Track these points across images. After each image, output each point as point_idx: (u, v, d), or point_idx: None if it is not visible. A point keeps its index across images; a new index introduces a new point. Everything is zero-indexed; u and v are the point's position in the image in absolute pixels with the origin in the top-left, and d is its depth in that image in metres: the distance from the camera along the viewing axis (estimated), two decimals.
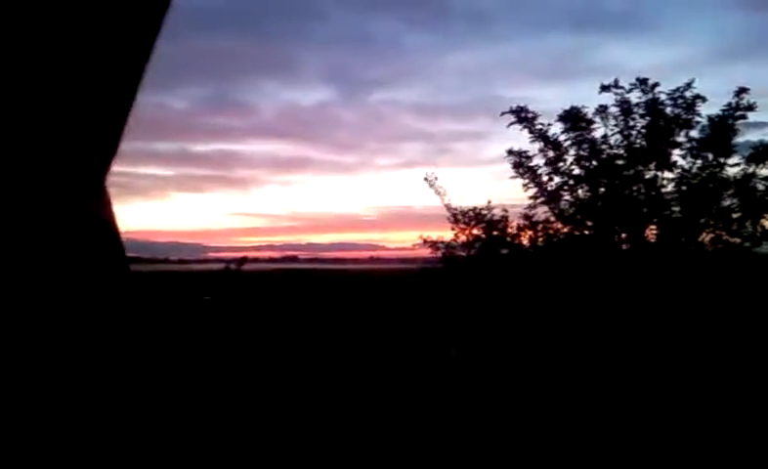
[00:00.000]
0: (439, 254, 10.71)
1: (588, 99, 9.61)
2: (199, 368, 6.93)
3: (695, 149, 9.20)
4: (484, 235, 10.32)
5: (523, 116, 9.76)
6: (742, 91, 9.05)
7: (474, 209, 10.31)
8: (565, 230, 9.91)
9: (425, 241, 10.61)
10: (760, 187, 8.97)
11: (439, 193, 10.47)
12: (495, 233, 10.27)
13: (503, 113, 9.86)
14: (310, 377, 7.25)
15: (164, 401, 1.67)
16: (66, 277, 1.52)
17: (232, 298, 12.02)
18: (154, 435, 1.58)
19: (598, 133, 9.53)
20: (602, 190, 9.56)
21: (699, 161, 9.20)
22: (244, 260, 13.22)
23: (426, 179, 10.53)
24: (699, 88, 9.23)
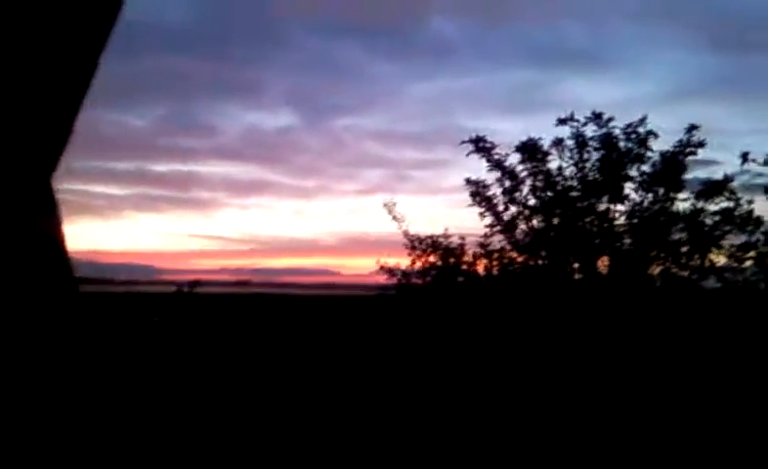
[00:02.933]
0: (395, 280, 10.71)
1: (546, 131, 9.79)
2: (143, 389, 6.73)
3: (646, 183, 9.42)
4: (440, 263, 10.37)
5: (481, 146, 9.87)
6: (692, 128, 9.32)
7: (431, 237, 10.36)
8: (520, 259, 10.01)
9: (381, 267, 10.60)
10: (708, 222, 9.21)
11: (397, 220, 10.51)
12: (452, 260, 10.33)
13: (462, 142, 9.96)
14: (257, 400, 7.11)
15: (106, 419, 1.61)
16: (7, 288, 1.45)
17: (183, 321, 11.78)
18: (95, 454, 1.52)
19: (554, 165, 9.70)
20: (556, 220, 9.70)
21: (650, 195, 9.42)
22: (197, 283, 12.99)
23: (385, 205, 10.56)
24: (653, 124, 9.49)
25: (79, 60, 1.48)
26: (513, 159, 9.81)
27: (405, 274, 10.58)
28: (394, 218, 10.52)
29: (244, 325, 13.09)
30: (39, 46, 1.42)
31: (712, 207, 9.24)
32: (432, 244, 10.33)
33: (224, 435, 5.91)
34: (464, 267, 10.38)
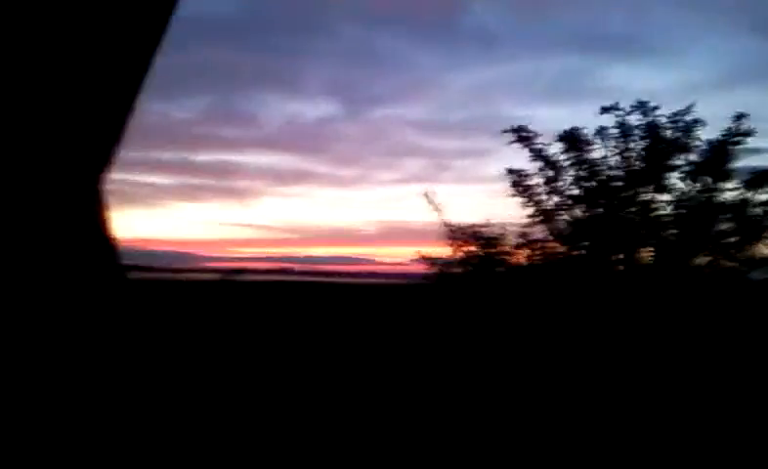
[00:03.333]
0: (435, 270, 10.73)
1: (589, 120, 9.68)
2: (192, 377, 6.91)
3: (692, 173, 9.24)
4: (480, 253, 10.34)
5: (522, 135, 9.80)
6: (740, 116, 9.10)
7: (471, 226, 10.33)
8: (561, 249, 9.93)
9: (422, 257, 10.63)
10: (757, 212, 8.99)
11: (437, 210, 10.50)
12: (492, 250, 10.29)
13: (504, 132, 9.91)
14: (302, 388, 7.23)
15: (158, 405, 1.66)
16: (59, 280, 1.52)
17: (227, 307, 12.00)
18: (146, 437, 1.58)
19: (597, 154, 9.58)
20: (599, 210, 9.59)
21: (696, 185, 9.24)
22: (241, 270, 13.24)
23: (425, 195, 10.56)
24: (699, 112, 9.30)
25: (133, 59, 1.52)
26: (555, 149, 9.73)
27: (446, 263, 10.59)
28: (434, 207, 10.52)
29: (287, 312, 13.28)
30: (94, 44, 1.46)
31: (761, 197, 9.02)
32: (472, 234, 10.31)
33: (268, 418, 6.04)
34: (505, 257, 10.34)
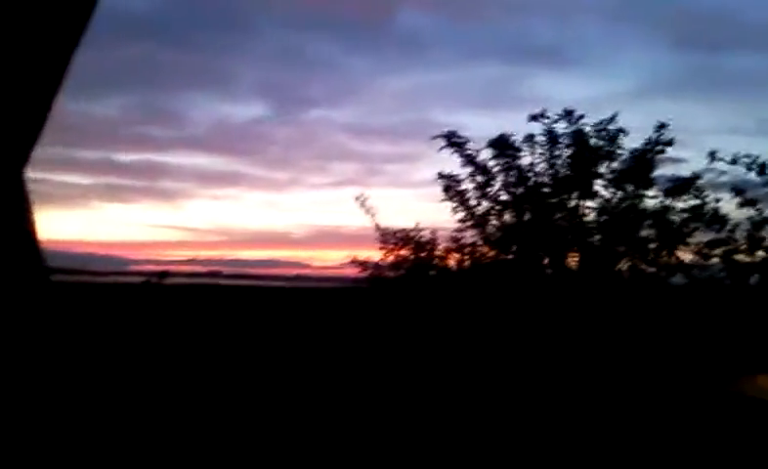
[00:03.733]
0: (367, 274, 10.72)
1: (518, 127, 9.84)
2: (111, 382, 6.63)
3: (616, 180, 9.52)
4: (412, 257, 10.39)
5: (453, 141, 9.89)
6: (661, 126, 9.43)
7: (403, 230, 10.37)
8: (491, 254, 10.06)
9: (353, 261, 10.59)
10: (676, 219, 9.32)
11: (369, 213, 10.49)
12: (423, 254, 10.36)
13: (434, 137, 9.97)
14: (227, 394, 7.04)
15: (75, 410, 1.58)
16: None
17: (151, 312, 11.62)
18: (63, 439, 1.50)
19: (525, 160, 9.75)
20: (527, 216, 9.76)
21: (619, 192, 9.52)
22: (166, 273, 12.84)
23: (357, 198, 10.54)
24: (622, 122, 9.59)
25: (53, 53, 1.46)
26: (485, 155, 9.86)
27: (377, 267, 10.60)
28: (366, 211, 10.51)
29: (214, 317, 12.97)
30: (12, 38, 1.39)
31: (680, 204, 9.35)
32: (404, 238, 10.35)
33: (188, 429, 5.84)
34: (436, 261, 10.42)
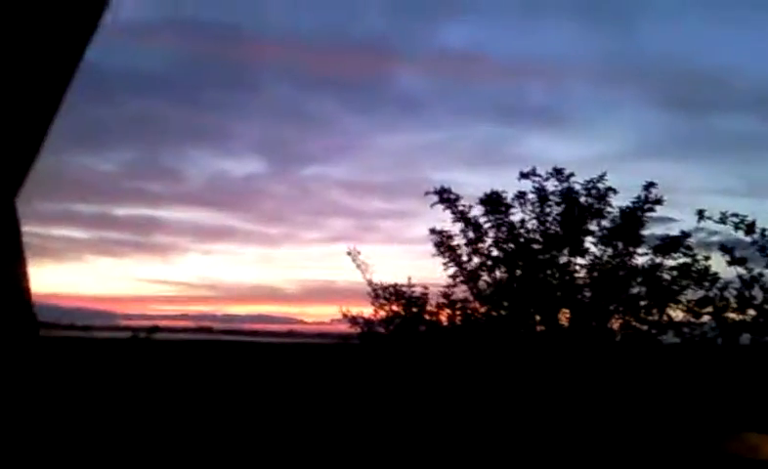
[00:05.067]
0: (357, 330, 10.67)
1: (510, 185, 9.95)
2: (98, 438, 6.52)
3: (606, 238, 9.60)
4: (403, 312, 10.37)
5: (445, 197, 9.99)
6: (650, 185, 9.56)
7: (394, 286, 10.38)
8: (482, 309, 10.06)
9: (345, 316, 10.56)
10: (666, 277, 9.37)
11: (361, 269, 10.51)
12: (414, 310, 10.34)
13: (427, 193, 10.08)
14: (216, 450, 6.93)
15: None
16: None
17: (140, 368, 11.50)
18: None
19: (516, 217, 9.84)
20: (518, 272, 9.80)
21: (609, 249, 9.59)
22: (155, 328, 12.75)
23: (349, 253, 10.57)
24: (612, 181, 9.72)
25: (51, 75, 1.45)
26: (477, 211, 9.95)
27: (368, 322, 10.57)
28: (358, 266, 10.53)
29: (205, 373, 12.83)
30: (8, 60, 1.38)
31: (670, 262, 9.41)
32: (395, 293, 10.35)
33: None
34: (427, 316, 10.40)
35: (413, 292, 10.35)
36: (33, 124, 1.47)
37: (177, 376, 11.69)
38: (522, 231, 9.77)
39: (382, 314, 10.46)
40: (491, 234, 9.87)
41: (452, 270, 10.03)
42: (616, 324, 9.61)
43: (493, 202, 9.85)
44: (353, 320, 10.58)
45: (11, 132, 1.43)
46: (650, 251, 9.53)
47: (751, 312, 8.75)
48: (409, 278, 10.40)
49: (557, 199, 9.67)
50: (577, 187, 9.65)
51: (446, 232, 10.05)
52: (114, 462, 5.93)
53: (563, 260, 9.67)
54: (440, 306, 10.30)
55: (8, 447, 1.43)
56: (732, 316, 8.96)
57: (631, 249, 9.57)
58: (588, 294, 9.66)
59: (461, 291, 10.12)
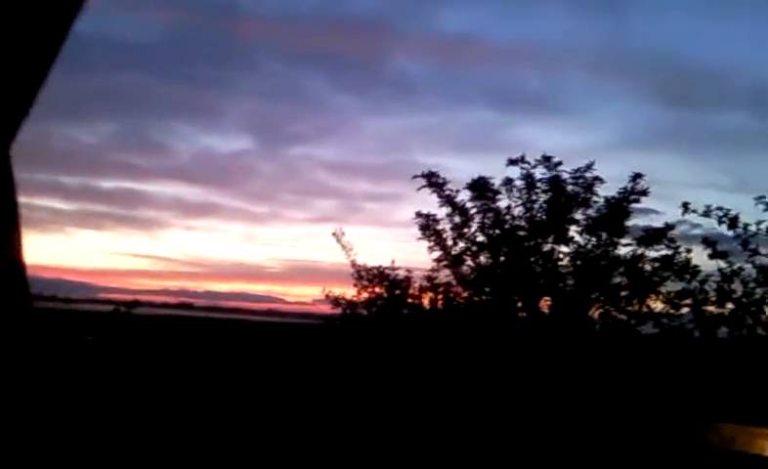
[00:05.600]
0: (339, 310, 10.67)
1: (498, 171, 9.97)
2: (75, 413, 6.48)
3: (591, 227, 9.66)
4: (386, 294, 10.38)
5: (433, 181, 9.98)
6: (637, 176, 9.62)
7: (378, 268, 10.38)
8: (465, 294, 10.10)
9: (327, 296, 10.55)
10: (648, 268, 9.46)
11: (345, 249, 10.49)
12: (397, 292, 10.35)
13: (414, 177, 10.06)
14: (193, 426, 6.92)
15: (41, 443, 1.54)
16: None
17: (119, 342, 11.42)
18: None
19: (503, 204, 9.86)
20: (502, 258, 9.84)
21: (593, 239, 9.65)
22: (135, 303, 12.63)
23: (334, 234, 10.54)
24: (600, 171, 9.76)
25: (46, 26, 1.43)
26: (464, 196, 9.96)
27: (351, 304, 10.56)
28: (342, 247, 10.51)
29: (183, 348, 12.77)
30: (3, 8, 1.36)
31: (652, 254, 9.50)
32: (378, 275, 10.35)
33: (156, 461, 5.72)
34: (410, 299, 10.42)
35: (397, 275, 10.36)
36: (27, 74, 1.44)
37: (156, 351, 11.63)
38: (508, 217, 9.80)
39: (365, 295, 10.46)
40: (477, 219, 9.89)
41: (437, 253, 10.05)
42: (596, 313, 9.70)
43: (480, 188, 9.86)
44: (335, 301, 10.57)
45: (4, 82, 1.40)
46: (633, 242, 9.61)
47: (730, 305, 8.88)
48: (393, 261, 10.41)
49: (544, 187, 9.70)
50: (565, 175, 9.69)
51: (432, 215, 10.05)
52: (96, 436, 5.90)
53: (547, 248, 9.72)
54: (422, 289, 10.33)
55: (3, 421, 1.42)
56: (711, 309, 9.08)
57: (615, 239, 9.64)
58: (571, 282, 9.73)
59: (445, 275, 10.15)
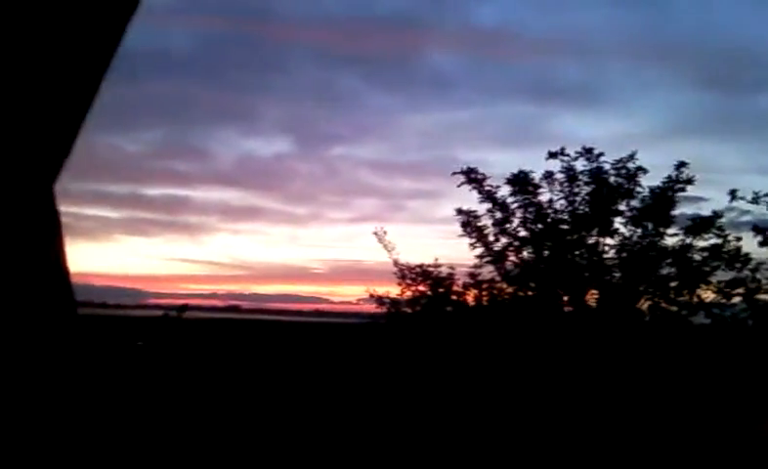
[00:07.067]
0: (384, 309, 10.69)
1: (539, 165, 9.85)
2: (129, 417, 6.65)
3: (635, 218, 9.48)
4: (429, 292, 10.36)
5: (473, 177, 9.92)
6: (682, 165, 9.40)
7: (421, 266, 10.36)
8: (509, 290, 10.02)
9: (371, 296, 10.58)
10: (697, 257, 9.24)
11: (387, 249, 10.50)
12: (441, 290, 10.32)
13: (454, 173, 10.01)
14: (245, 428, 7.03)
15: (95, 447, 1.58)
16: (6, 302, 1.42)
17: (170, 346, 11.67)
18: None
19: (544, 197, 9.75)
20: (546, 252, 9.73)
21: (639, 230, 9.47)
22: (185, 307, 12.88)
23: (375, 233, 10.57)
24: (644, 161, 9.58)
25: (90, 60, 1.46)
26: (504, 191, 9.87)
27: (395, 302, 10.58)
28: (384, 246, 10.53)
29: (232, 351, 12.99)
30: (48, 45, 1.39)
31: (701, 243, 9.28)
32: (422, 273, 10.33)
33: (207, 464, 5.83)
34: (453, 297, 10.38)
35: (440, 272, 10.32)
36: (72, 110, 1.48)
37: (206, 355, 11.85)
38: (550, 211, 9.68)
39: (408, 294, 10.46)
40: (519, 214, 9.80)
41: (479, 250, 9.98)
42: (645, 305, 9.52)
43: (521, 182, 9.76)
44: (379, 300, 10.60)
45: (50, 118, 1.44)
46: (680, 232, 9.40)
47: None
48: (436, 259, 10.38)
49: (586, 179, 9.55)
50: (607, 166, 9.54)
51: (472, 211, 9.99)
52: (145, 438, 6.05)
53: (591, 240, 9.57)
54: (466, 286, 10.27)
55: (47, 426, 1.45)
56: (764, 297, 8.83)
57: (661, 230, 9.45)
58: (617, 275, 9.56)
59: (488, 272, 10.08)
